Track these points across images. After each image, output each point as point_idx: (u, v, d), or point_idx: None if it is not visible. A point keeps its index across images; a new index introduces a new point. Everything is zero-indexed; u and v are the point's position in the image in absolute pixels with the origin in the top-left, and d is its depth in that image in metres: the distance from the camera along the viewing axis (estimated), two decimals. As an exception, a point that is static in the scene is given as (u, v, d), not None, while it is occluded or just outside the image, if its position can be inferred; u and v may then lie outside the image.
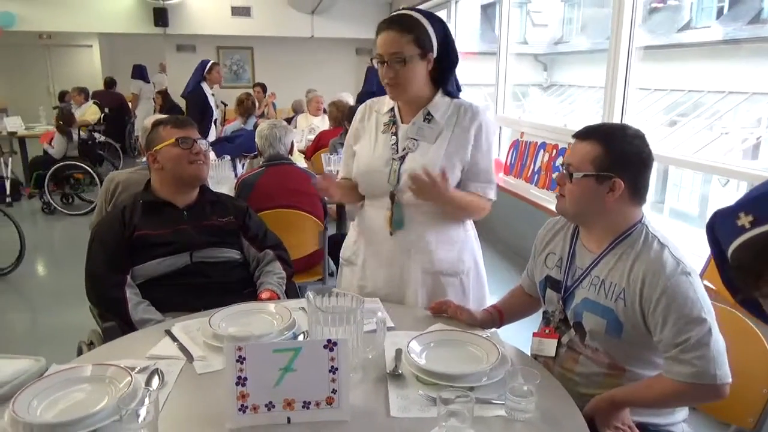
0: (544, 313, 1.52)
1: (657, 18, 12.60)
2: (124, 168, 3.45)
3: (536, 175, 4.60)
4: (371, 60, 1.69)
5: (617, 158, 1.30)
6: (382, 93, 1.74)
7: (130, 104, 9.29)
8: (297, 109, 7.38)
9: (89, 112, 7.84)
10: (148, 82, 9.13)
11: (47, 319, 3.60)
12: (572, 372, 1.42)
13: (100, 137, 7.44)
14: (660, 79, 10.31)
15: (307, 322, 1.31)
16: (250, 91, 6.30)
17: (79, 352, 1.81)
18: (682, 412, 1.40)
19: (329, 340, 1.10)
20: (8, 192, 6.13)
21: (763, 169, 2.89)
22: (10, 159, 6.47)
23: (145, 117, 7.80)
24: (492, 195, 1.75)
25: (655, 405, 1.33)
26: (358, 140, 1.78)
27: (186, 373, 1.30)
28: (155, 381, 1.22)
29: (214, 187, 3.08)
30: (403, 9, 1.65)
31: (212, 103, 5.47)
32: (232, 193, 3.01)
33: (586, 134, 1.35)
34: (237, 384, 1.09)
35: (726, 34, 11.35)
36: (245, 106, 5.10)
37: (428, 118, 1.68)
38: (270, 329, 1.44)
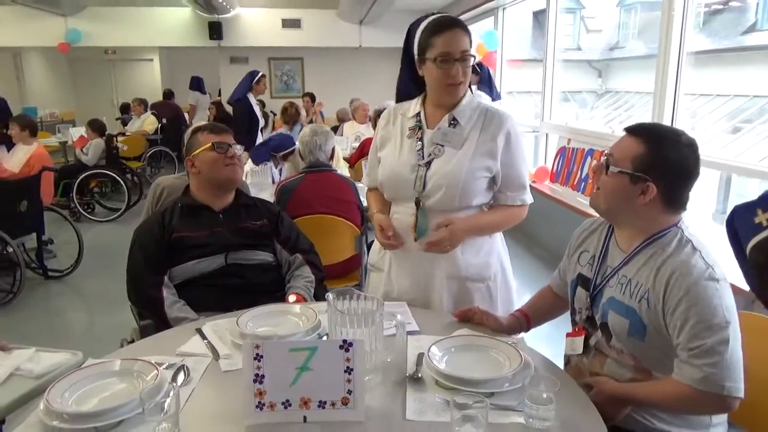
0: (572, 313, 1.48)
1: (719, 20, 12.07)
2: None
3: (583, 183, 4.47)
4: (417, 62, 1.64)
5: (658, 162, 1.25)
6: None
7: (186, 115, 9.68)
8: (342, 118, 7.48)
9: (147, 123, 8.21)
10: (205, 93, 9.49)
11: (99, 318, 3.79)
12: (599, 375, 1.37)
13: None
14: (722, 84, 9.86)
15: (327, 324, 1.32)
16: (296, 100, 6.43)
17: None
18: (721, 428, 1.33)
19: (345, 341, 1.11)
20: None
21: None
22: (74, 167, 6.85)
23: (141, 126, 8.13)
24: (528, 199, 1.73)
25: (659, 405, 1.27)
26: (383, 146, 1.78)
27: (211, 370, 1.33)
28: (180, 377, 1.26)
29: (256, 193, 3.18)
30: (442, 14, 1.66)
31: (258, 112, 5.74)
32: (272, 199, 3.09)
33: (636, 130, 1.30)
34: (255, 381, 1.11)
35: (795, 35, 10.75)
36: (289, 114, 5.23)
37: (453, 123, 1.67)
38: (296, 330, 1.46)
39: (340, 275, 2.90)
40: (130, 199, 6.37)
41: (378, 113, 4.77)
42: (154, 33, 9.42)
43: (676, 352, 1.22)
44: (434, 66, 1.60)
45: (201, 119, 9.14)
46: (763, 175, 3.16)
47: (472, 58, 1.62)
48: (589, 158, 4.48)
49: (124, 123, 9.07)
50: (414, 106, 1.75)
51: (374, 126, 5.32)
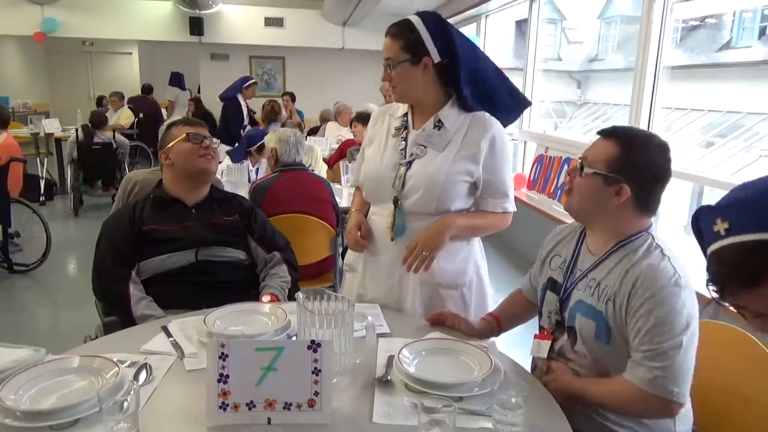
0: (539, 316, 1.49)
1: (696, 37, 12.35)
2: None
3: (559, 191, 4.51)
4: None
5: (631, 164, 1.26)
6: None
7: (165, 110, 9.53)
8: (327, 118, 7.44)
9: (123, 117, 8.07)
10: (185, 90, 9.36)
11: (65, 314, 3.69)
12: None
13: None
14: (697, 99, 10.08)
15: (297, 324, 1.29)
16: (277, 99, 6.41)
17: (85, 345, 1.83)
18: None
19: (313, 341, 1.09)
20: (42, 191, 6.32)
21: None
22: (45, 159, 6.70)
23: (117, 119, 8.02)
24: (511, 207, 1.72)
25: (609, 405, 1.28)
26: (370, 145, 1.78)
27: (175, 369, 1.29)
28: (142, 375, 1.23)
29: (231, 191, 3.13)
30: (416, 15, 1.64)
31: (245, 113, 6.28)
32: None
33: (609, 133, 1.32)
34: (219, 381, 1.08)
35: (768, 54, 11.05)
36: (265, 112, 5.26)
37: (438, 125, 1.66)
38: (265, 330, 1.43)
39: (314, 276, 2.87)
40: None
41: (359, 116, 4.75)
42: (133, 26, 9.25)
43: (630, 353, 1.24)
44: None
45: (180, 116, 9.02)
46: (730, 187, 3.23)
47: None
48: (566, 166, 4.52)
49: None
50: (403, 106, 1.74)
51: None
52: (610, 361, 1.30)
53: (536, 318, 1.55)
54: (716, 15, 11.80)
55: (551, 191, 4.62)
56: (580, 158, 1.34)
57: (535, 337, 1.45)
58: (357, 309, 1.31)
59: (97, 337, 1.84)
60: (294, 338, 1.42)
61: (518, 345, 1.64)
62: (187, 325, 1.50)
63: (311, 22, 9.39)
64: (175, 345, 1.39)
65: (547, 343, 1.40)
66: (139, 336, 1.45)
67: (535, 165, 5.01)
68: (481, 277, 1.77)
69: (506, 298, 1.66)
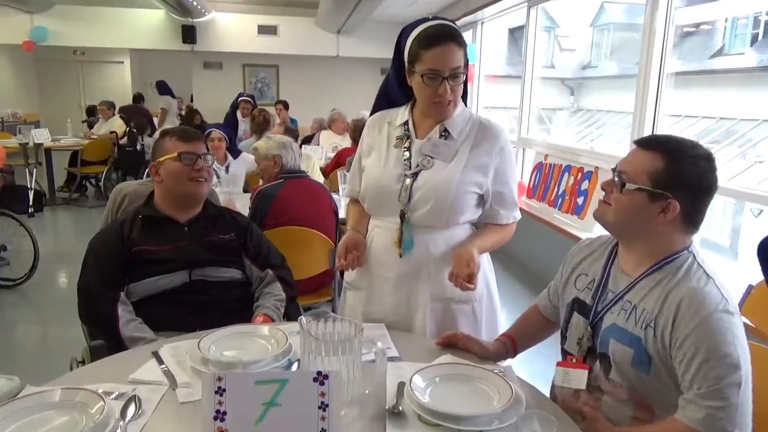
0: (563, 338, 1.38)
1: (689, 43, 12.38)
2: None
3: (560, 199, 4.44)
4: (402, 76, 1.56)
5: (678, 177, 1.16)
6: None
7: (156, 119, 9.41)
8: (320, 127, 7.35)
9: (114, 126, 7.93)
10: (175, 97, 9.22)
11: (53, 331, 3.56)
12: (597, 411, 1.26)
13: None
14: (691, 105, 10.08)
15: (299, 348, 1.19)
16: (269, 108, 6.35)
17: (72, 370, 1.72)
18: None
19: (320, 373, 0.98)
20: (31, 203, 6.18)
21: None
22: (35, 170, 6.56)
23: (108, 129, 7.94)
24: (518, 215, 1.65)
25: None
26: (368, 155, 1.67)
27: (167, 400, 1.19)
28: (131, 410, 1.12)
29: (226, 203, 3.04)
30: (441, 19, 1.55)
31: (240, 128, 6.49)
32: (245, 209, 2.95)
33: (649, 143, 1.21)
34: (215, 419, 0.97)
35: (761, 60, 11.10)
36: (257, 122, 5.07)
37: (445, 134, 1.57)
38: (263, 355, 1.32)
39: (312, 291, 2.78)
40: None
41: (356, 124, 4.67)
42: (125, 34, 9.15)
43: (681, 388, 1.13)
44: (421, 81, 1.49)
45: (171, 125, 8.89)
46: (729, 192, 3.18)
47: (464, 75, 1.50)
48: (566, 174, 4.45)
49: (91, 126, 8.76)
50: (402, 113, 1.64)
51: (351, 137, 5.22)
52: (650, 391, 1.20)
53: (554, 339, 1.45)
54: (710, 21, 11.85)
55: (552, 199, 4.54)
56: (616, 171, 1.24)
57: (560, 364, 1.34)
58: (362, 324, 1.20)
59: (83, 361, 1.73)
60: (296, 364, 1.32)
61: (528, 366, 1.53)
62: (179, 351, 1.39)
63: (305, 30, 9.32)
64: (167, 373, 1.28)
65: (583, 373, 1.28)
66: (127, 362, 1.34)
67: (535, 173, 4.93)
68: (491, 291, 1.68)
69: (521, 316, 1.56)
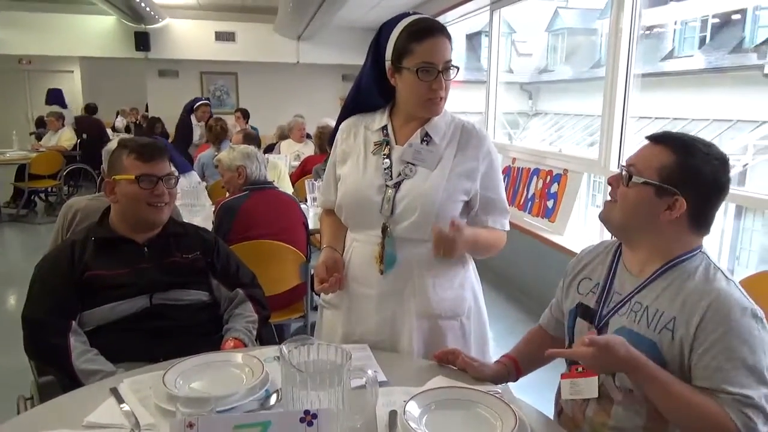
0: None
1: (640, 47, 12.75)
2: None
3: (530, 202, 4.42)
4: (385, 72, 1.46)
5: (688, 174, 1.10)
6: None
7: (109, 130, 9.01)
8: (283, 135, 7.18)
9: (64, 138, 7.55)
10: (66, 107, 8.73)
11: (2, 359, 3.28)
12: (604, 427, 1.18)
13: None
14: (644, 107, 10.37)
15: (280, 379, 1.07)
16: (228, 117, 6.14)
17: (18, 410, 1.53)
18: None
19: (307, 412, 0.87)
20: (-27, 220, 5.81)
21: (753, 192, 2.88)
22: (-23, 185, 6.18)
23: (57, 141, 7.54)
24: (507, 225, 1.56)
25: (666, 400, 1.06)
26: (344, 163, 1.55)
27: (129, 447, 1.04)
28: (86, 462, 0.97)
29: (188, 217, 2.87)
30: (422, 15, 1.46)
31: (195, 134, 6.13)
32: (208, 222, 2.79)
33: (661, 138, 1.15)
34: (187, 471, 0.84)
35: (709, 62, 11.51)
36: (214, 133, 4.83)
37: (426, 139, 1.47)
38: (237, 387, 1.19)
39: (283, 307, 2.63)
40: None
41: (321, 131, 4.54)
42: (73, 42, 8.76)
43: (713, 391, 1.04)
44: (413, 77, 1.39)
45: (64, 133, 8.34)
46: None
47: (455, 70, 1.42)
48: (534, 177, 4.44)
49: (39, 138, 8.33)
50: (380, 118, 1.52)
51: (316, 144, 5.09)
52: None
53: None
54: (661, 25, 12.22)
55: (521, 203, 4.52)
56: (625, 165, 1.17)
57: (564, 376, 1.25)
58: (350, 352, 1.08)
59: (32, 398, 1.55)
60: (275, 395, 1.20)
61: (528, 387, 1.44)
62: (141, 385, 1.24)
63: (264, 37, 9.13)
64: (128, 414, 1.13)
65: (593, 380, 1.19)
66: (82, 402, 1.18)
67: (503, 176, 4.91)
68: (479, 305, 1.58)
69: (524, 336, 1.46)
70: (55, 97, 8.45)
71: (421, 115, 1.47)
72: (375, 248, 1.45)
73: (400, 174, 1.44)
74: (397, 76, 1.43)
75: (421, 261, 1.45)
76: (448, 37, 1.41)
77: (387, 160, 1.46)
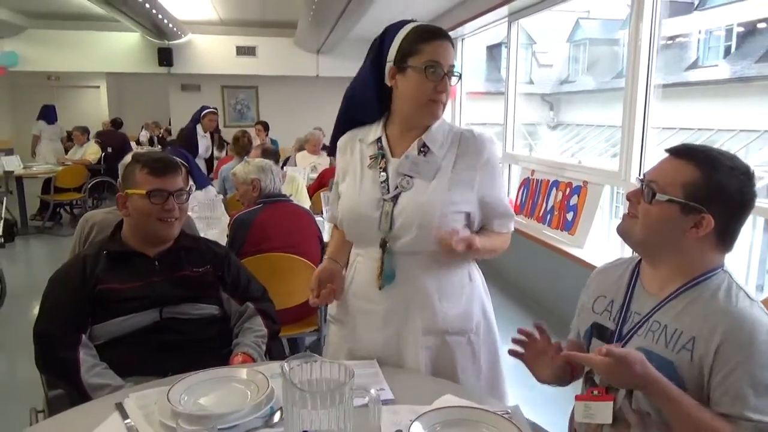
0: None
1: (663, 57, 12.59)
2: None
3: (549, 215, 4.35)
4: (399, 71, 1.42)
5: (714, 191, 1.07)
6: None
7: (135, 143, 9.19)
8: (301, 148, 7.23)
9: (89, 152, 7.72)
10: (52, 123, 8.88)
11: (20, 370, 3.33)
12: None
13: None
14: (669, 117, 10.20)
15: (282, 398, 1.05)
16: (250, 129, 6.20)
17: (31, 422, 1.54)
18: None
19: (305, 432, 0.85)
20: (0, 232, 5.94)
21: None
22: (5, 198, 6.32)
23: (45, 158, 7.59)
24: (512, 227, 1.53)
25: (685, 427, 1.03)
26: (344, 179, 1.53)
27: (131, 464, 1.04)
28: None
29: (204, 230, 2.89)
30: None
31: (201, 145, 6.02)
32: (223, 235, 2.81)
33: (683, 152, 1.11)
34: (183, 491, 0.83)
35: (734, 72, 11.30)
36: (241, 144, 4.90)
37: (423, 150, 1.43)
38: (242, 404, 1.18)
39: (296, 320, 2.62)
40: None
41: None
42: (99, 58, 8.98)
43: (733, 417, 1.01)
44: (420, 75, 1.37)
45: (46, 151, 8.42)
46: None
47: (457, 77, 1.41)
48: (554, 189, 4.38)
49: (66, 151, 8.54)
50: (375, 130, 1.50)
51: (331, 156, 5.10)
52: None
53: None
54: (685, 34, 12.06)
55: (540, 215, 4.45)
56: (644, 179, 1.14)
57: (578, 398, 1.21)
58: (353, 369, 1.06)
59: (43, 411, 1.56)
60: (279, 413, 1.18)
61: (538, 405, 1.39)
62: (147, 401, 1.24)
63: (284, 51, 9.24)
64: (132, 430, 1.13)
65: (608, 406, 1.15)
66: (87, 417, 1.19)
67: (522, 188, 4.85)
68: (488, 319, 1.54)
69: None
70: (44, 113, 8.55)
71: (420, 119, 1.44)
72: (376, 264, 1.43)
73: (397, 187, 1.42)
74: (399, 76, 1.41)
75: (424, 275, 1.43)
76: (453, 44, 1.42)
77: (383, 174, 1.44)
